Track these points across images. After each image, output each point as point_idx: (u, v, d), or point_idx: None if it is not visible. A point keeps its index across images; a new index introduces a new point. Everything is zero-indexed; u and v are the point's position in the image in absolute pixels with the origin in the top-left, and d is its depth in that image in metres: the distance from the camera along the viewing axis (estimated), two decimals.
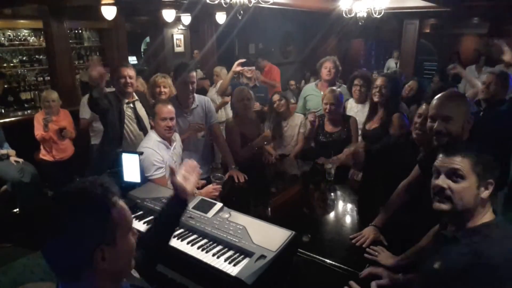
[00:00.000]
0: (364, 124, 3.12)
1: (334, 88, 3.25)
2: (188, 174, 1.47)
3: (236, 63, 3.74)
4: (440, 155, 1.32)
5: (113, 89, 3.11)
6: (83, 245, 0.85)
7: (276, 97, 3.52)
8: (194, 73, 2.92)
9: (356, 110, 3.46)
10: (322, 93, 3.46)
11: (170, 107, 2.52)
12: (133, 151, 2.42)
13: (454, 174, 1.25)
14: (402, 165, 2.16)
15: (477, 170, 1.24)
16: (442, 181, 1.27)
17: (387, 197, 2.06)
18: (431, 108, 1.72)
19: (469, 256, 1.17)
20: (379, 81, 2.99)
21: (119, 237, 0.90)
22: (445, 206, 1.27)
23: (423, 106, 2.17)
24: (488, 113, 2.93)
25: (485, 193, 1.25)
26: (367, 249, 1.81)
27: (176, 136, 2.74)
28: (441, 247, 1.31)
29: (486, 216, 1.27)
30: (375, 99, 2.99)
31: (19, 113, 5.21)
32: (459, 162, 1.25)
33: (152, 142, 2.51)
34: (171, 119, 2.51)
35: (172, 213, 1.43)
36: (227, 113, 4.82)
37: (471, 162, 1.25)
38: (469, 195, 1.24)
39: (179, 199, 1.42)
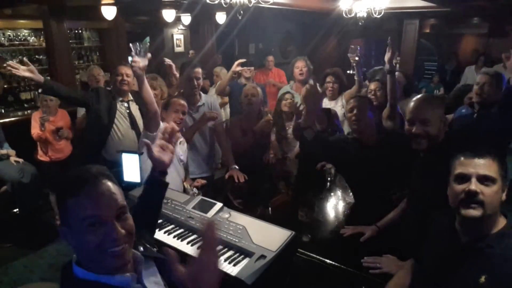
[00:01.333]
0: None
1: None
2: (165, 143, 1.35)
3: (236, 63, 3.73)
4: (462, 158, 1.28)
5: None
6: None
7: (288, 95, 3.37)
8: (198, 69, 2.94)
9: (329, 107, 3.41)
10: (297, 94, 3.41)
11: (183, 102, 2.61)
12: (133, 151, 2.43)
13: (485, 178, 1.23)
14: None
15: (502, 172, 1.24)
16: (476, 185, 1.23)
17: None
18: (408, 112, 1.72)
19: None
20: (372, 86, 3.14)
21: (75, 225, 0.94)
22: (476, 212, 1.21)
23: (351, 101, 2.26)
24: (482, 115, 2.86)
25: (503, 196, 1.25)
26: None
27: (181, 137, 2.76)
28: (470, 260, 1.24)
29: (501, 218, 1.26)
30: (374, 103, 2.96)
31: (19, 113, 5.21)
32: (490, 166, 1.23)
33: None
34: (183, 113, 2.58)
35: (155, 183, 1.41)
36: (226, 113, 4.82)
37: (499, 165, 1.24)
38: (496, 198, 1.23)
39: (159, 172, 1.39)
